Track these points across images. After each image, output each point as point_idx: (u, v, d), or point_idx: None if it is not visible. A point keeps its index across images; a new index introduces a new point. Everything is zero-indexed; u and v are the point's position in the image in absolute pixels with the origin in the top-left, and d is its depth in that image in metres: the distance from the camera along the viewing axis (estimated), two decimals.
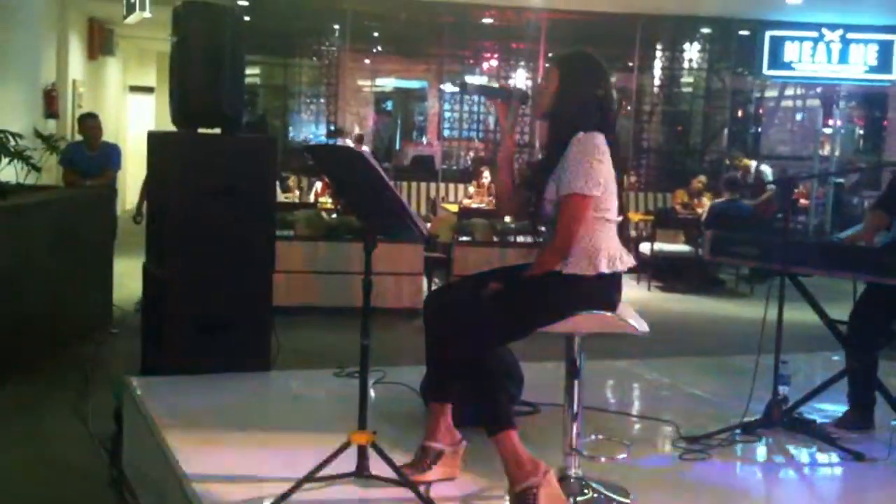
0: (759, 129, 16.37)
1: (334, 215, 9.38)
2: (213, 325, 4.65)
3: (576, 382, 3.23)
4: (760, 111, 16.43)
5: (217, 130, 4.86)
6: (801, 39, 13.53)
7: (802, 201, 13.46)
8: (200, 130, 4.84)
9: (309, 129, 15.47)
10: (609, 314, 3.12)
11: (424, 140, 19.58)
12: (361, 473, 3.07)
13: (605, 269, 3.09)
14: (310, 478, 3.02)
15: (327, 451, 3.16)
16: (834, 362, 5.37)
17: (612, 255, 3.12)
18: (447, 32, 14.77)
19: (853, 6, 12.23)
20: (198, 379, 4.50)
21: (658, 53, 14.40)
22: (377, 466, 3.07)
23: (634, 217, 11.69)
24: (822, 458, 3.83)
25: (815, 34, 13.40)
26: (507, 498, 3.01)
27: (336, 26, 14.35)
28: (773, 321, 3.95)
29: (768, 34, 13.55)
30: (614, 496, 3.24)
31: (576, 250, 3.09)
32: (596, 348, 3.24)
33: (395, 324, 7.76)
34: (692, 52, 14.39)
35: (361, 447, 3.07)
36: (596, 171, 3.03)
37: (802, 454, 3.90)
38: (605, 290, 3.13)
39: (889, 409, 4.07)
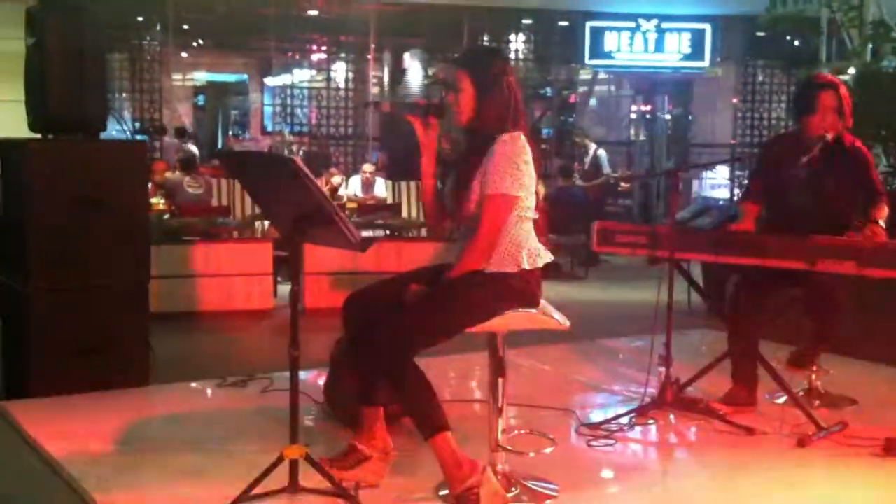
0: (574, 116, 16.94)
1: (167, 216, 9.08)
2: (85, 343, 4.41)
3: (500, 379, 3.26)
4: (571, 100, 16.98)
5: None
6: (620, 30, 14.09)
7: (623, 185, 14.05)
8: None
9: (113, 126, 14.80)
10: (535, 311, 3.17)
11: (247, 135, 19.20)
12: (294, 488, 2.99)
13: (526, 265, 3.14)
14: (244, 497, 2.92)
15: (246, 467, 3.07)
16: (705, 340, 5.69)
17: (532, 251, 3.17)
18: (272, 25, 14.52)
19: None
20: (75, 400, 4.27)
21: (484, 44, 14.62)
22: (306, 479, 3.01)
23: None
24: (716, 434, 4.02)
25: (632, 24, 13.98)
26: (446, 500, 3.01)
27: (151, 19, 13.81)
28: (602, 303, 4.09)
29: (588, 25, 14.03)
30: (541, 488, 3.30)
31: (499, 249, 3.11)
32: (464, 340, 3.29)
33: (248, 326, 7.59)
34: (517, 44, 14.72)
35: (293, 461, 2.99)
36: (522, 172, 3.07)
37: (698, 432, 4.08)
38: (528, 287, 3.17)
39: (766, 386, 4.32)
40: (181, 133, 15.39)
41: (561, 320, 3.20)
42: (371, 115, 14.10)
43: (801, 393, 4.43)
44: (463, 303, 3.08)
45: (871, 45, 7.43)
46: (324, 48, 14.94)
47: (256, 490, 2.95)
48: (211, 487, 3.21)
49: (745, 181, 4.54)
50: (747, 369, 4.27)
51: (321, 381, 4.23)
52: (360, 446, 3.18)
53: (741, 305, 4.26)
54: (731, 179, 14.11)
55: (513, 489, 3.24)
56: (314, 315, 6.88)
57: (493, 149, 3.09)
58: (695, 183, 14.26)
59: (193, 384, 4.79)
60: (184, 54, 16.24)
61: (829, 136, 4.12)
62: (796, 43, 13.13)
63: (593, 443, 3.85)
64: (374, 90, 15.52)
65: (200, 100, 19.91)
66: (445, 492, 3.10)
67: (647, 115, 16.41)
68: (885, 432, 3.86)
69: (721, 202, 12.61)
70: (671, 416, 4.20)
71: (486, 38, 14.60)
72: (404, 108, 3.25)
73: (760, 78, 14.76)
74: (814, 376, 4.48)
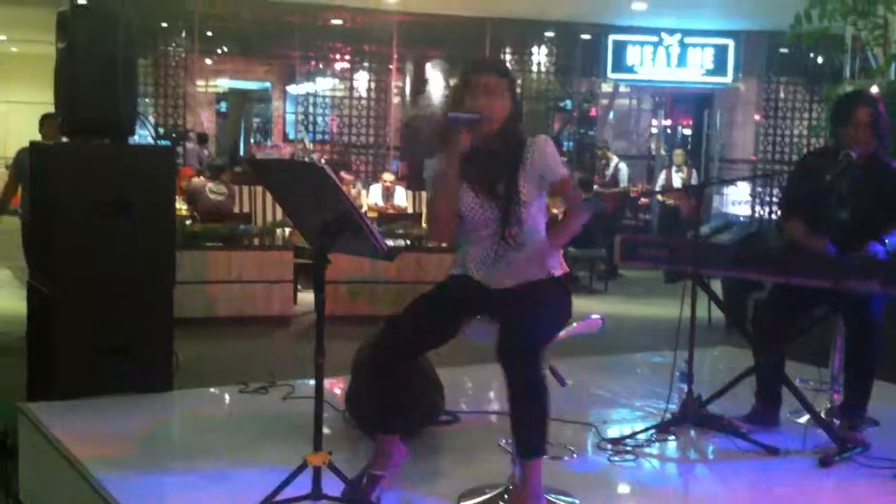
0: (594, 129, 16.95)
1: (188, 222, 9.14)
2: (109, 346, 4.43)
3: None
4: (592, 113, 16.99)
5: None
6: (642, 44, 14.09)
7: (643, 199, 14.02)
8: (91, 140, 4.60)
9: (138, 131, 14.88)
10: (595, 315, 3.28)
11: (269, 142, 19.28)
12: (318, 495, 3.00)
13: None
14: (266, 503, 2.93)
15: (268, 473, 3.09)
16: (725, 357, 5.67)
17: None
18: (295, 33, 14.59)
19: (691, 12, 12.83)
20: (99, 402, 4.30)
21: (507, 56, 14.66)
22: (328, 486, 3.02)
23: None
24: (737, 453, 4.00)
25: (655, 39, 13.98)
26: None
27: (176, 25, 13.90)
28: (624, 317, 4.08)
29: (611, 38, 14.04)
30: (562, 501, 3.30)
31: (543, 252, 3.21)
32: (476, 351, 3.31)
33: (269, 332, 7.63)
34: (539, 56, 14.74)
35: (316, 468, 3.00)
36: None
37: (719, 450, 4.06)
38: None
39: (788, 405, 4.30)
40: (203, 139, 15.49)
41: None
42: (405, 133, 14.15)
43: (824, 412, 4.41)
44: (561, 305, 3.24)
45: (894, 64, 7.40)
46: (346, 57, 15.01)
47: (279, 497, 2.96)
48: (233, 493, 3.23)
49: (779, 198, 4.51)
50: (771, 387, 4.25)
51: (338, 389, 4.25)
52: (378, 472, 3.18)
53: (767, 322, 4.25)
54: (753, 196, 14.07)
55: None
56: (332, 322, 6.85)
57: (538, 148, 3.18)
58: (716, 199, 14.22)
59: (215, 390, 4.82)
60: (208, 61, 16.35)
61: (854, 154, 4.09)
62: (819, 60, 13.09)
63: (614, 458, 3.84)
64: (396, 100, 15.58)
65: (223, 106, 20.01)
66: (466, 502, 3.12)
67: (668, 130, 16.39)
68: None
69: (742, 218, 12.59)
70: (692, 433, 4.18)
71: (508, 50, 14.63)
72: (443, 126, 3.21)
73: (782, 94, 14.72)
74: (836, 396, 4.46)
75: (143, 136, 11.15)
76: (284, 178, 3.13)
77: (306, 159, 13.33)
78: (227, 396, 4.71)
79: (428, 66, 16.11)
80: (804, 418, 4.34)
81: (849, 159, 4.08)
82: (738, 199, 14.08)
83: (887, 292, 3.87)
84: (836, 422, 4.23)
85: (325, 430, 3.94)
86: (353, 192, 11.43)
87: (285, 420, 4.13)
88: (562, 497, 3.33)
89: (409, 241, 8.69)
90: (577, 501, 3.33)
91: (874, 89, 7.11)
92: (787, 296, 4.13)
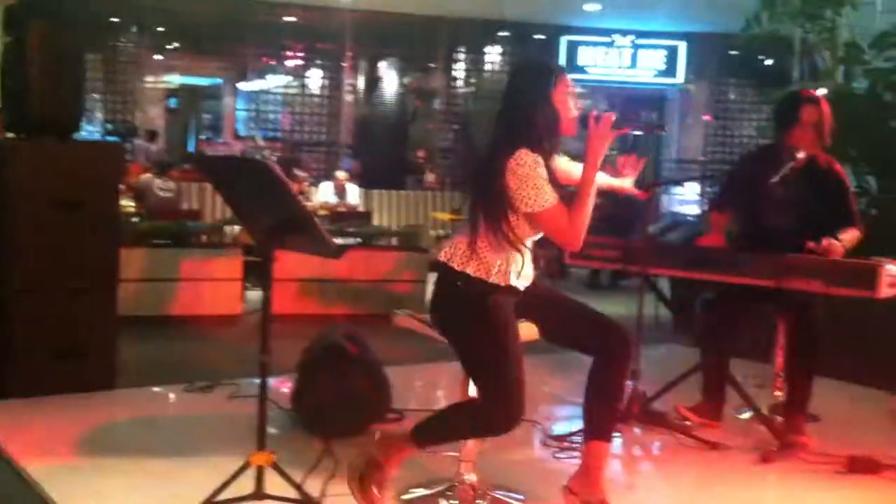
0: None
1: (136, 219, 9.02)
2: (53, 345, 4.37)
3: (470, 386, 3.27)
4: None
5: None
6: (595, 45, 14.18)
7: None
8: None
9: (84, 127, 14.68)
10: None
11: (220, 139, 19.08)
12: (260, 495, 2.97)
13: None
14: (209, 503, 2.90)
15: (211, 473, 3.06)
16: (672, 355, 5.72)
17: None
18: (247, 30, 14.48)
19: (643, 14, 12.94)
20: (41, 402, 4.23)
21: (461, 56, 14.68)
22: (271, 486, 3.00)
23: (444, 216, 11.85)
24: (681, 449, 4.06)
25: (607, 39, 14.08)
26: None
27: (126, 20, 13.73)
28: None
29: (564, 39, 14.11)
30: (508, 498, 3.31)
31: None
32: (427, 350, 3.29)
33: (216, 331, 7.54)
34: (493, 56, 14.77)
35: (259, 468, 2.97)
36: None
37: (663, 446, 4.11)
38: None
39: (732, 402, 4.36)
40: (152, 136, 15.31)
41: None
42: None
43: (766, 408, 4.47)
44: None
45: (842, 67, 7.51)
46: (299, 54, 14.92)
47: (222, 496, 2.93)
48: (175, 493, 3.20)
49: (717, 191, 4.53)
50: (716, 385, 4.30)
51: (285, 389, 4.23)
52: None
53: (712, 320, 4.30)
54: (702, 196, 14.22)
55: (480, 500, 3.25)
56: (281, 321, 6.83)
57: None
58: (664, 199, 14.35)
59: (160, 389, 4.76)
60: (158, 56, 16.15)
61: (802, 154, 4.13)
62: (769, 62, 13.26)
63: (559, 454, 3.86)
64: (349, 98, 15.52)
65: (173, 102, 19.77)
66: (408, 496, 3.12)
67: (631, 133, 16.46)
68: (848, 450, 3.91)
69: (690, 218, 12.70)
70: (637, 430, 4.22)
71: (462, 49, 14.65)
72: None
73: (732, 96, 14.90)
74: (778, 393, 4.52)
75: (90, 132, 10.96)
76: (230, 174, 3.10)
77: (257, 157, 13.24)
78: (171, 396, 4.66)
79: (381, 64, 16.08)
80: (747, 414, 4.40)
81: (793, 159, 4.13)
82: (687, 199, 14.22)
83: (829, 293, 3.93)
84: (778, 418, 4.29)
85: (272, 430, 3.93)
86: (306, 189, 11.37)
87: (230, 419, 4.09)
88: (508, 494, 3.34)
89: (359, 240, 8.66)
90: (522, 497, 3.34)
91: (822, 91, 7.22)
92: (732, 294, 4.17)
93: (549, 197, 2.87)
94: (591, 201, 2.94)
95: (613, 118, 2.97)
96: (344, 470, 3.11)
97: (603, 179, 3.23)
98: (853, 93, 6.98)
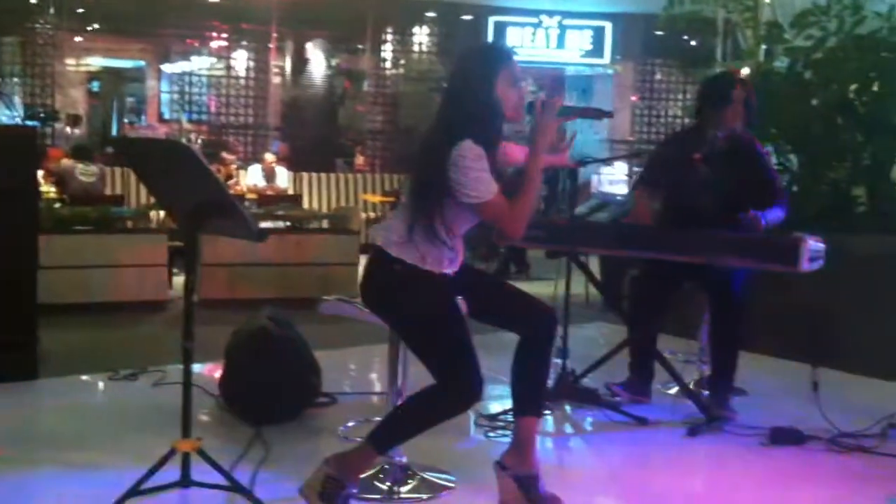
0: None
1: (57, 205, 8.80)
2: None
3: (400, 369, 3.27)
4: None
5: None
6: (522, 25, 14.20)
7: None
8: None
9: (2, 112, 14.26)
10: None
11: (144, 123, 18.76)
12: (187, 483, 2.93)
13: None
14: (133, 492, 2.84)
15: (137, 461, 3.01)
16: (602, 333, 5.77)
17: None
18: (170, 11, 14.19)
19: None
20: None
21: (389, 37, 14.58)
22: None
23: (374, 199, 11.80)
24: (610, 425, 4.11)
25: (535, 20, 14.11)
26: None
27: (44, 1, 13.34)
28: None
29: (492, 19, 14.10)
30: (439, 480, 3.31)
31: None
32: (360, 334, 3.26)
33: (142, 318, 7.41)
34: (421, 36, 14.70)
35: (185, 455, 2.93)
36: None
37: (593, 423, 4.16)
38: None
39: (660, 377, 4.42)
40: (75, 120, 14.95)
41: None
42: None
43: (693, 383, 4.54)
44: None
45: (764, 46, 7.62)
46: (224, 36, 14.68)
47: (148, 484, 2.88)
48: (101, 482, 3.13)
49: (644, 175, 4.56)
50: (643, 360, 4.35)
51: (213, 375, 4.17)
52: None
53: (639, 297, 4.35)
54: (630, 175, 14.36)
55: (410, 480, 3.25)
56: (210, 307, 6.76)
57: None
58: (594, 179, 14.47)
59: (84, 377, 4.66)
60: (78, 38, 15.77)
61: (725, 133, 4.20)
62: (694, 42, 13.42)
63: (491, 434, 3.88)
64: (276, 79, 15.34)
65: (95, 86, 19.34)
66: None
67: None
68: (772, 422, 4.00)
69: (619, 198, 12.82)
70: (567, 407, 4.26)
71: (389, 30, 14.55)
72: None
73: (658, 76, 15.06)
74: (705, 367, 4.60)
75: (9, 117, 10.63)
76: (149, 156, 3.03)
77: (183, 140, 13.02)
78: (98, 384, 4.56)
79: (309, 45, 15.91)
80: (674, 389, 4.47)
81: (717, 138, 4.19)
82: (615, 179, 14.35)
83: (752, 268, 4.00)
84: (705, 392, 4.36)
85: (202, 418, 3.89)
86: (234, 173, 11.22)
87: (156, 407, 4.02)
88: (439, 475, 3.34)
89: (288, 223, 8.57)
90: (453, 478, 3.35)
91: (745, 71, 7.34)
92: (658, 272, 4.22)
93: (492, 187, 2.86)
94: (535, 190, 2.95)
95: (560, 105, 2.97)
96: (271, 458, 3.08)
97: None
98: (774, 72, 7.08)
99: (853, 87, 6.53)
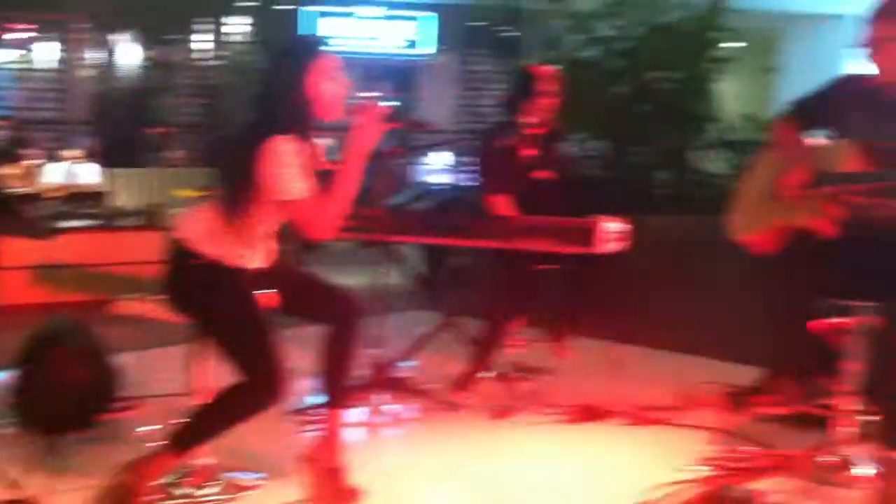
0: None
1: None
2: None
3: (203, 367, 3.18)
4: None
5: None
6: (340, 15, 14.09)
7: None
8: None
9: None
10: None
11: None
12: None
13: None
14: None
15: None
16: (419, 321, 5.78)
17: None
18: None
19: None
20: None
21: (203, 27, 14.19)
22: None
23: (188, 194, 11.45)
24: (422, 413, 4.16)
25: (354, 10, 14.02)
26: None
27: None
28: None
29: (309, 9, 13.93)
30: (246, 480, 3.24)
31: None
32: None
33: None
34: (236, 27, 14.38)
35: None
36: None
37: (405, 411, 4.17)
38: None
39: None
40: None
41: None
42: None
43: (503, 368, 4.60)
44: None
45: (570, 36, 7.82)
46: (30, 27, 13.92)
47: None
48: None
49: (480, 174, 4.60)
50: (459, 346, 4.41)
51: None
52: None
53: (460, 285, 4.41)
54: (452, 165, 14.50)
55: (214, 483, 3.15)
56: (11, 312, 6.39)
57: None
58: (414, 169, 14.56)
59: None
60: None
61: (535, 126, 4.35)
62: (508, 34, 13.67)
63: (301, 428, 3.81)
64: (85, 73, 14.67)
65: None
66: None
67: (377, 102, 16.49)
68: (576, 399, 4.14)
69: (439, 187, 12.92)
70: (382, 397, 4.24)
71: (204, 22, 14.16)
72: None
73: (478, 67, 15.27)
74: (515, 351, 4.67)
75: None
76: None
77: None
78: None
79: (119, 36, 15.30)
80: (488, 374, 4.52)
81: (527, 131, 4.31)
82: (435, 169, 14.47)
83: (554, 250, 4.11)
84: (514, 375, 4.45)
85: None
86: (34, 170, 10.64)
87: None
88: (245, 475, 3.27)
89: (97, 221, 8.20)
90: (262, 475, 3.28)
91: (553, 61, 7.51)
92: (478, 260, 4.30)
93: (302, 186, 2.82)
94: (348, 194, 2.91)
95: (386, 112, 2.96)
96: (66, 467, 2.92)
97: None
98: (580, 61, 7.28)
99: (656, 75, 6.80)
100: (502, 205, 4.35)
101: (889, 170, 3.14)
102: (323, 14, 14.02)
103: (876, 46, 3.20)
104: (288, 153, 2.80)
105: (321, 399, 3.19)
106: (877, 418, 3.20)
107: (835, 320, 3.17)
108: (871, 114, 3.23)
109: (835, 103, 3.39)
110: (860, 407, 3.23)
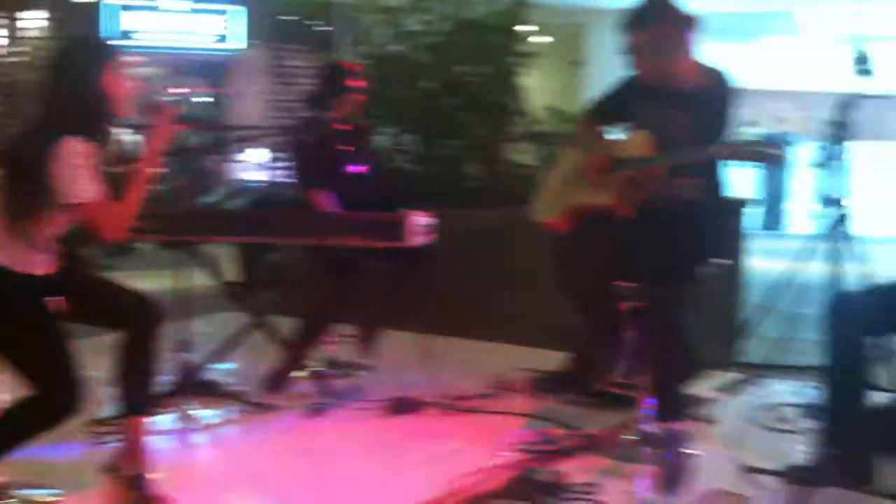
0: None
1: None
2: None
3: None
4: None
5: None
6: (143, 8, 13.59)
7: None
8: None
9: None
10: None
11: None
12: None
13: None
14: None
15: None
16: (231, 323, 5.66)
17: None
18: None
19: None
20: None
21: None
22: None
23: None
24: (237, 415, 4.08)
25: (159, 2, 13.57)
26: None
27: None
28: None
29: (108, 2, 13.37)
30: (42, 496, 3.09)
31: None
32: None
33: None
34: (34, 21, 13.66)
35: None
36: None
37: (218, 415, 4.07)
38: None
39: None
40: None
41: None
42: None
43: (317, 365, 4.55)
44: None
45: (380, 31, 7.80)
46: None
47: None
48: None
49: (296, 171, 4.54)
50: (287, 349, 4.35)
51: None
52: None
53: (272, 285, 4.37)
54: (268, 163, 14.25)
55: (6, 502, 2.98)
56: None
57: None
58: (228, 166, 14.27)
59: None
60: None
61: (342, 122, 4.37)
62: (319, 28, 13.57)
63: (101, 439, 3.63)
64: None
65: None
66: None
67: (190, 98, 16.04)
68: (395, 394, 4.17)
69: (253, 184, 12.67)
70: (190, 402, 4.11)
71: None
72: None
73: (289, 62, 15.09)
74: (331, 348, 4.63)
75: None
76: None
77: None
78: None
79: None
80: (302, 373, 4.47)
81: (338, 124, 4.35)
82: (250, 167, 14.22)
83: (366, 245, 4.10)
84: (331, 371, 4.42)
85: None
86: None
87: None
88: (41, 491, 3.11)
89: None
90: (60, 491, 3.12)
91: (361, 56, 7.49)
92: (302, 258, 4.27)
93: (90, 187, 2.76)
94: (141, 194, 2.89)
95: (176, 113, 2.95)
96: None
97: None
98: (392, 56, 7.28)
99: (465, 69, 6.88)
100: (322, 200, 4.32)
101: (671, 152, 3.38)
102: (125, 7, 13.47)
103: (632, 52, 3.45)
104: (78, 154, 2.74)
105: (121, 408, 3.06)
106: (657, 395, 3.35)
107: (625, 301, 3.30)
108: (652, 106, 3.48)
109: (623, 101, 3.64)
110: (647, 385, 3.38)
